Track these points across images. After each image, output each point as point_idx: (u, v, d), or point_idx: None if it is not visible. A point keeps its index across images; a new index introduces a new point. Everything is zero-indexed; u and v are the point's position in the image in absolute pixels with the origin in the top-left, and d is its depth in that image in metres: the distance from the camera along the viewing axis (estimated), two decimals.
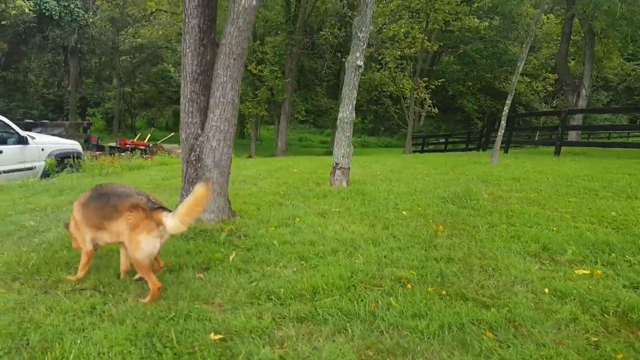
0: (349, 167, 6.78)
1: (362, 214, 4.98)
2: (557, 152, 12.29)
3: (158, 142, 15.09)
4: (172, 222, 2.77)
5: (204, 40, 4.20)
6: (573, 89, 17.31)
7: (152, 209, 2.80)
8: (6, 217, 5.18)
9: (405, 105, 22.69)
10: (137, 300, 2.86)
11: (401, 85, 21.94)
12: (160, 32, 22.87)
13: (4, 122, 8.54)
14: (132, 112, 35.83)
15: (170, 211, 2.84)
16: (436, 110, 22.19)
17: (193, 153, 4.32)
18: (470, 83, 37.62)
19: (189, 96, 4.29)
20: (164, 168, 10.16)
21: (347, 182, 6.71)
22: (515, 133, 21.54)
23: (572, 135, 16.84)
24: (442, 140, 30.33)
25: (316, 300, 2.83)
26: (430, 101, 21.23)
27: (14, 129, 8.58)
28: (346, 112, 6.62)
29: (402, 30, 18.82)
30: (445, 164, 9.84)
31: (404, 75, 21.44)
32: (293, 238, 4.05)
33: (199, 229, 4.15)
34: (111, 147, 12.72)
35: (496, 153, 9.79)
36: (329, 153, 27.63)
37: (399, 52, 20.42)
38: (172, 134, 18.17)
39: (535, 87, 34.64)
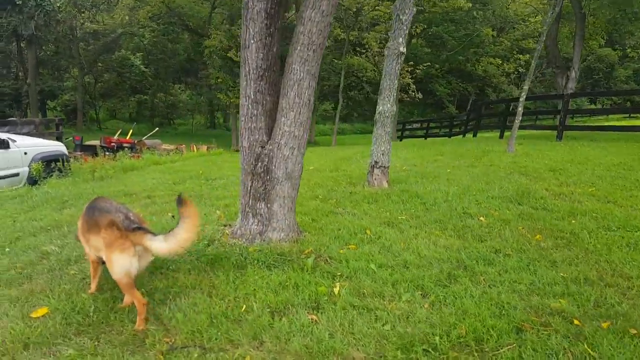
0: (389, 166, 6.24)
1: (435, 222, 4.47)
2: (560, 137, 12.20)
3: (143, 139, 13.96)
4: (166, 243, 2.57)
5: (271, 28, 3.51)
6: (563, 71, 17.27)
7: (130, 229, 2.64)
8: (17, 241, 4.34)
9: None
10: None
11: (380, 71, 21.44)
12: (127, 17, 21.20)
13: None
14: (93, 104, 33.66)
15: (152, 233, 2.65)
16: (420, 95, 21.85)
17: (260, 164, 3.65)
18: (438, 65, 37.59)
19: (252, 97, 3.59)
20: (162, 168, 9.30)
21: (387, 181, 6.18)
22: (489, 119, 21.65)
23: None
24: (417, 125, 30.19)
25: (487, 351, 2.31)
26: (414, 86, 20.85)
27: None
28: (387, 105, 6.05)
29: (388, 11, 18.18)
30: (462, 154, 9.46)
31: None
32: (388, 259, 3.49)
33: (276, 253, 3.53)
34: (102, 147, 11.57)
35: (513, 141, 9.49)
36: (311, 143, 27.05)
37: (380, 35, 19.84)
38: (157, 129, 16.93)
39: (506, 69, 35.17)
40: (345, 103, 34.85)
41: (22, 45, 23.36)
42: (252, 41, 3.49)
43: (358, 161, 9.25)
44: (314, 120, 26.42)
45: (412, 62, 20.22)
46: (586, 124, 21.43)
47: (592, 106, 41.99)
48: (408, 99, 22.09)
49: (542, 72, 38.03)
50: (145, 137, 14.23)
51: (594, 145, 10.46)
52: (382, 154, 6.12)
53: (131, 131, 13.48)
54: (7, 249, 4.06)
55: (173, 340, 2.47)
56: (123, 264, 2.62)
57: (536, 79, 38.07)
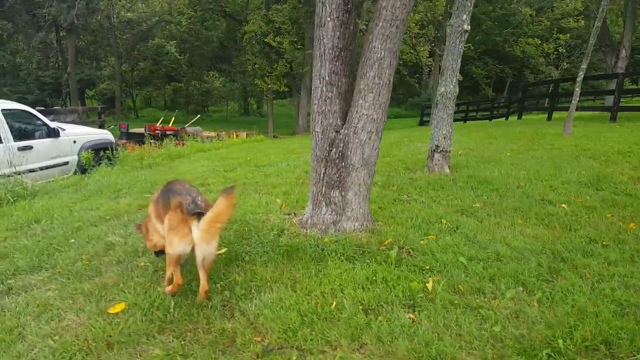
0: (450, 150, 5.94)
1: (514, 210, 4.19)
2: (614, 119, 11.53)
3: (185, 126, 14.01)
4: (196, 235, 2.59)
5: (349, 4, 3.27)
6: (612, 49, 16.27)
7: (190, 214, 2.62)
8: (78, 231, 4.29)
9: (427, 73, 21.51)
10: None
11: (417, 54, 20.78)
12: (167, 5, 21.12)
13: (31, 113, 7.53)
14: (130, 92, 34.20)
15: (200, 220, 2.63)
16: (460, 77, 21.03)
17: (335, 149, 3.45)
18: (473, 47, 36.10)
19: (327, 78, 3.37)
20: (207, 155, 9.24)
21: (448, 167, 5.89)
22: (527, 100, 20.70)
23: (609, 101, 15.98)
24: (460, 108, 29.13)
25: (621, 357, 2.06)
26: None
27: (42, 121, 7.59)
28: (449, 86, 5.74)
29: None
30: (516, 137, 9.03)
31: (424, 42, 20.26)
32: (476, 252, 3.24)
33: (354, 244, 3.34)
34: (152, 136, 11.63)
35: (569, 123, 8.98)
36: None
37: (419, 16, 19.19)
38: (199, 116, 16.97)
39: (546, 50, 33.62)
40: None
41: (60, 35, 23.74)
42: (329, 19, 3.26)
43: (407, 145, 8.95)
44: None
45: None
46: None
47: (634, 86, 39.48)
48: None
49: (581, 52, 36.21)
50: (188, 124, 14.28)
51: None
52: (444, 138, 5.83)
53: (173, 118, 13.51)
54: (71, 240, 4.01)
55: (265, 340, 2.32)
56: (177, 249, 2.65)
57: (576, 58, 36.23)
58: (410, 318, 2.45)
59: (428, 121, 26.29)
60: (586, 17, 34.77)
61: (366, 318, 2.45)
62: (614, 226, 3.64)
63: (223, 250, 3.38)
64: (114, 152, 8.63)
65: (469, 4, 5.48)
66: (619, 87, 11.72)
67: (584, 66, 8.86)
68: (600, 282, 2.73)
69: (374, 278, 2.86)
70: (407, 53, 21.06)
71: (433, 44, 20.28)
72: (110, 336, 2.37)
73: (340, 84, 3.40)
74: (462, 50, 5.68)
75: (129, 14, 26.03)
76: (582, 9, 32.27)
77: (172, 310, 2.62)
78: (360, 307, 2.55)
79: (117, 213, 4.88)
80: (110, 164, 8.32)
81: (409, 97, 37.73)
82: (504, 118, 19.40)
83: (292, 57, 19.71)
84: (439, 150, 5.86)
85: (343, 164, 3.46)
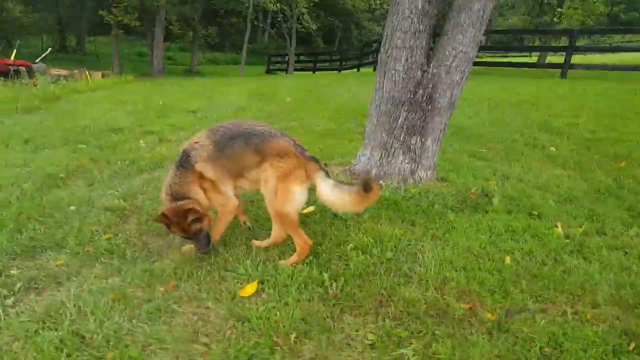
0: None
1: (520, 154, 4.47)
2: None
3: (36, 61, 10.79)
4: (331, 194, 2.24)
5: None
6: None
7: (307, 157, 2.29)
8: (43, 194, 3.09)
9: (279, 19, 20.87)
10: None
11: None
12: None
13: None
14: None
15: (325, 170, 2.31)
16: (315, 26, 21.07)
17: (422, 91, 3.09)
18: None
19: (420, 7, 2.94)
20: (93, 98, 7.47)
21: None
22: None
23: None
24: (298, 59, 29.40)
25: None
26: (309, 17, 20.02)
27: None
28: None
29: None
30: None
31: None
32: (550, 194, 3.37)
33: (448, 195, 3.13)
34: (1, 73, 8.46)
35: None
36: (195, 73, 24.55)
37: None
38: (50, 49, 13.29)
39: (372, 5, 35.86)
40: (217, 30, 32.21)
41: None
42: None
43: (327, 93, 8.71)
44: (195, 49, 23.70)
45: None
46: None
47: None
48: (302, 29, 21.17)
49: None
50: (38, 59, 11.10)
51: (504, 80, 11.42)
52: None
53: (15, 52, 10.34)
54: (71, 207, 2.99)
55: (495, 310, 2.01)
56: (300, 198, 2.28)
57: None
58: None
59: (275, 70, 26.18)
60: None
61: (554, 270, 2.33)
62: (613, 165, 4.17)
63: (311, 209, 2.84)
64: None
65: None
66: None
67: None
68: None
69: (510, 228, 2.74)
70: None
71: None
72: (284, 326, 1.84)
73: (432, 15, 3.02)
74: None
75: None
76: None
77: (327, 282, 2.11)
78: (535, 261, 2.43)
79: (69, 169, 3.82)
80: None
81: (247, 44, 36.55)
82: (357, 69, 20.35)
83: None
84: None
85: (430, 107, 3.14)
